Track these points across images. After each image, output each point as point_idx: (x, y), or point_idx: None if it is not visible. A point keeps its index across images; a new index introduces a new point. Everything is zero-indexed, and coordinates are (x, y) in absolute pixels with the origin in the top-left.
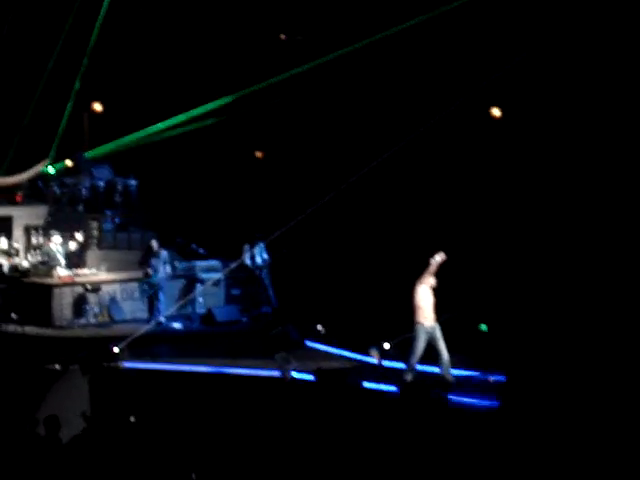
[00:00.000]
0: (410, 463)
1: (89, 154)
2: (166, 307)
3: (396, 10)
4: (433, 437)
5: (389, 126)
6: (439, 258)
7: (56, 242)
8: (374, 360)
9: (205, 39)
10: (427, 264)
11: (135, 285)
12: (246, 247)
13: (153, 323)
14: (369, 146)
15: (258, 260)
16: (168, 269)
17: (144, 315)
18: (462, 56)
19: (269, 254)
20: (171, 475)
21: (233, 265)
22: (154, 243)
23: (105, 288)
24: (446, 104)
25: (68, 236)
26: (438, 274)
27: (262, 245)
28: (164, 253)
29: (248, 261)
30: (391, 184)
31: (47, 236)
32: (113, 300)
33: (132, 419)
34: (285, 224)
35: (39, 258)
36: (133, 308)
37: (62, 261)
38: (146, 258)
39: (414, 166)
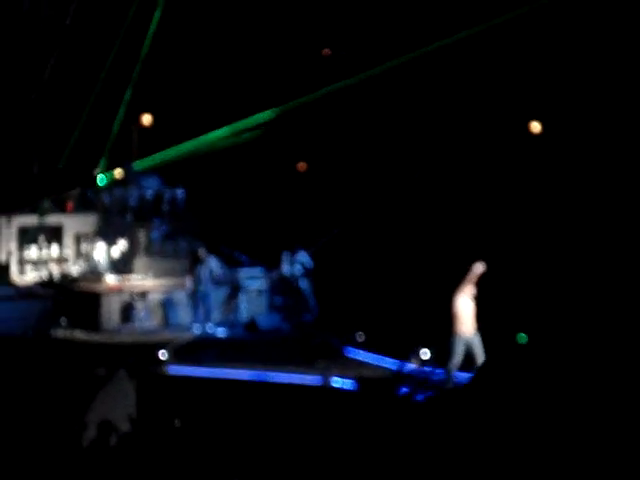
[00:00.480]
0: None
1: (138, 165)
2: (211, 314)
3: (438, 26)
4: (472, 446)
5: (430, 138)
6: (479, 268)
7: (100, 250)
8: (414, 368)
9: (252, 52)
10: (467, 272)
11: (181, 292)
12: (285, 255)
13: (198, 330)
14: (410, 158)
15: (297, 268)
16: (219, 272)
17: (190, 322)
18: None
19: (312, 260)
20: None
21: (274, 274)
22: (201, 251)
23: (152, 295)
24: (489, 117)
25: (116, 244)
26: (478, 283)
27: (304, 253)
28: (211, 261)
29: (285, 269)
30: (433, 193)
31: (96, 244)
32: (170, 303)
33: (177, 423)
34: (327, 232)
35: (88, 265)
36: (179, 315)
37: (108, 268)
38: (193, 266)
39: (455, 176)
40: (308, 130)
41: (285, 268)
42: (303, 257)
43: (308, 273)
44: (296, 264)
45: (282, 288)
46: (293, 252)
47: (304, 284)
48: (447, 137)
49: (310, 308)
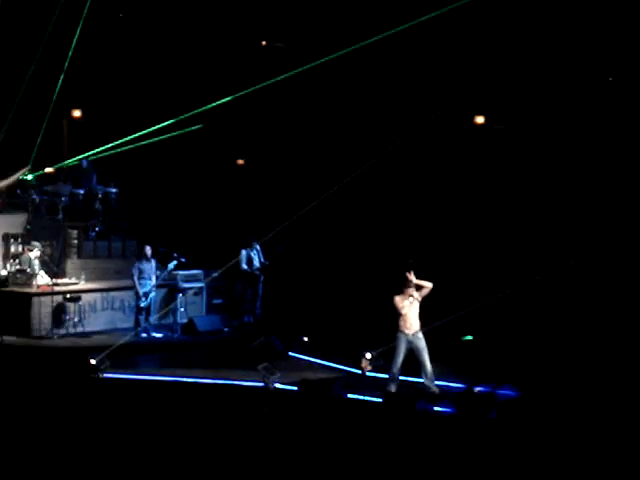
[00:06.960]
0: (394, 474)
1: (69, 162)
2: (149, 317)
3: (379, 18)
4: (417, 448)
5: (372, 133)
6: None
7: (35, 251)
8: (359, 370)
9: (186, 46)
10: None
11: (115, 294)
12: (243, 252)
13: (133, 334)
14: (351, 154)
15: (256, 263)
16: (153, 279)
17: (124, 325)
18: (446, 64)
19: (265, 257)
20: None
21: (216, 274)
22: (148, 250)
23: (85, 297)
24: (430, 112)
25: (47, 245)
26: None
27: (258, 247)
28: (169, 265)
29: (245, 266)
30: (373, 194)
31: (26, 245)
32: (105, 305)
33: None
34: (268, 232)
35: (18, 267)
36: (113, 318)
37: (41, 270)
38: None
39: (397, 175)
40: (246, 124)
41: (243, 265)
42: (259, 251)
43: (263, 268)
44: (254, 259)
45: (223, 289)
46: (248, 247)
47: (261, 280)
48: (388, 132)
49: (254, 307)
